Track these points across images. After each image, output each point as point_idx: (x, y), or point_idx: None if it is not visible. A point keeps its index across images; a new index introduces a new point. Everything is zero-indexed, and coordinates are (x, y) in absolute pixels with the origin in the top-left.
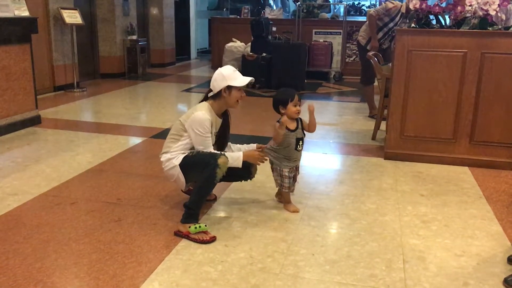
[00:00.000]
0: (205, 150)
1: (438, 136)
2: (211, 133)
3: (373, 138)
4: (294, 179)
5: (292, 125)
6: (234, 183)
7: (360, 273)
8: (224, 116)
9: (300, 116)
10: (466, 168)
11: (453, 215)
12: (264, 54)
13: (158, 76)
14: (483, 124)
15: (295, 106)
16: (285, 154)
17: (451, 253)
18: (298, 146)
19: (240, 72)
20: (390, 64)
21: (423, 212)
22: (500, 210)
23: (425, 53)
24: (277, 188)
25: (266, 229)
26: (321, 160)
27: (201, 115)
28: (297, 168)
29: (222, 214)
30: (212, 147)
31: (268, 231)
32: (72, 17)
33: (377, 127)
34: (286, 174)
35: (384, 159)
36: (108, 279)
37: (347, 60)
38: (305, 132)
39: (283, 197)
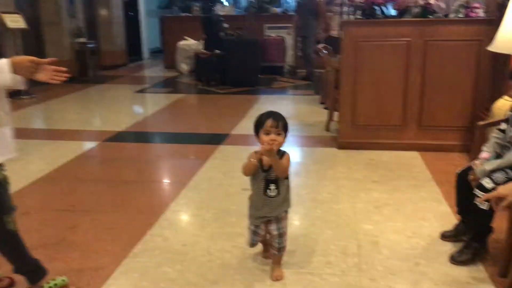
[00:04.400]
0: None
1: (388, 124)
2: None
3: (327, 129)
4: (272, 243)
5: (268, 161)
6: (195, 178)
7: (317, 261)
8: None
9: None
10: (415, 153)
11: (404, 199)
12: (217, 51)
13: (110, 79)
14: (429, 109)
15: (267, 134)
16: (253, 198)
17: (402, 235)
18: (269, 190)
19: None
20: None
21: (376, 197)
22: (448, 191)
23: (371, 43)
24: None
25: (224, 226)
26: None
27: None
28: (271, 222)
29: (180, 213)
30: None
31: (226, 227)
32: (15, 21)
33: (330, 118)
34: (252, 228)
35: (338, 148)
36: None
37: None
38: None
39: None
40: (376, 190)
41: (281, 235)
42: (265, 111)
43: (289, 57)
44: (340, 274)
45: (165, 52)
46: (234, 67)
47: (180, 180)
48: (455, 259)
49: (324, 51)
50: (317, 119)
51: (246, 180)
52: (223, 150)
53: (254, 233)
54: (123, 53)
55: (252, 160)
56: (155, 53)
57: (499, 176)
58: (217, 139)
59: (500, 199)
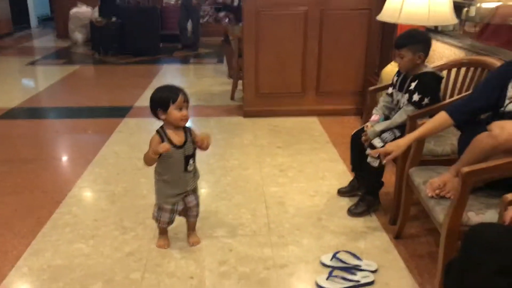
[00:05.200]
0: None
1: (289, 91)
2: None
3: (232, 98)
4: (189, 213)
5: (178, 138)
6: (100, 153)
7: (229, 224)
8: None
9: (188, 125)
10: (315, 118)
11: (306, 161)
12: (114, 19)
13: None
14: (326, 77)
15: (180, 109)
16: (169, 179)
17: (306, 194)
18: (189, 166)
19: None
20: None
21: (281, 162)
22: (345, 151)
23: (271, 13)
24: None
25: (135, 198)
26: None
27: None
28: (189, 195)
29: (88, 190)
30: None
31: (137, 199)
32: None
33: (234, 87)
34: (169, 207)
35: (243, 117)
36: None
37: (200, 21)
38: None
39: (159, 230)
40: (280, 154)
41: (198, 203)
42: (162, 86)
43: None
44: (251, 234)
45: (56, 20)
46: (133, 36)
47: (84, 155)
48: (352, 212)
49: (226, 19)
50: (221, 88)
51: None
52: (127, 123)
53: (172, 211)
54: (7, 21)
55: (164, 144)
56: (44, 21)
57: (388, 136)
58: (120, 112)
59: (387, 154)
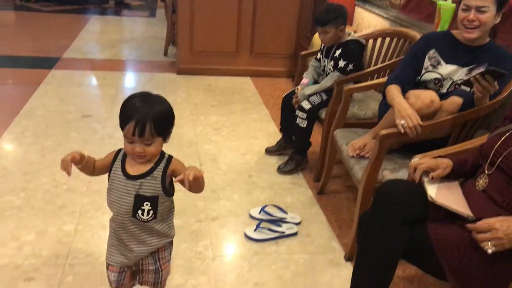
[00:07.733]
0: None
1: (223, 50)
2: None
3: (165, 54)
4: (143, 279)
5: (136, 167)
6: (28, 105)
7: None
8: None
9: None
10: (248, 78)
11: (238, 121)
12: None
13: None
14: (259, 38)
15: (132, 142)
16: (113, 219)
17: (238, 152)
18: (140, 212)
19: None
20: None
21: (214, 120)
22: (276, 112)
23: None
24: None
25: (66, 152)
26: (115, 78)
27: None
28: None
29: (16, 142)
30: None
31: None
32: None
33: (168, 43)
34: (114, 269)
35: (177, 74)
36: None
37: None
38: (174, 184)
39: None
40: (214, 113)
41: (159, 270)
42: (131, 96)
43: None
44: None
45: None
46: None
47: (10, 107)
48: (281, 170)
49: None
50: (154, 44)
51: (85, 107)
52: (55, 75)
53: (120, 271)
54: None
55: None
56: None
57: (315, 98)
58: (47, 63)
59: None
